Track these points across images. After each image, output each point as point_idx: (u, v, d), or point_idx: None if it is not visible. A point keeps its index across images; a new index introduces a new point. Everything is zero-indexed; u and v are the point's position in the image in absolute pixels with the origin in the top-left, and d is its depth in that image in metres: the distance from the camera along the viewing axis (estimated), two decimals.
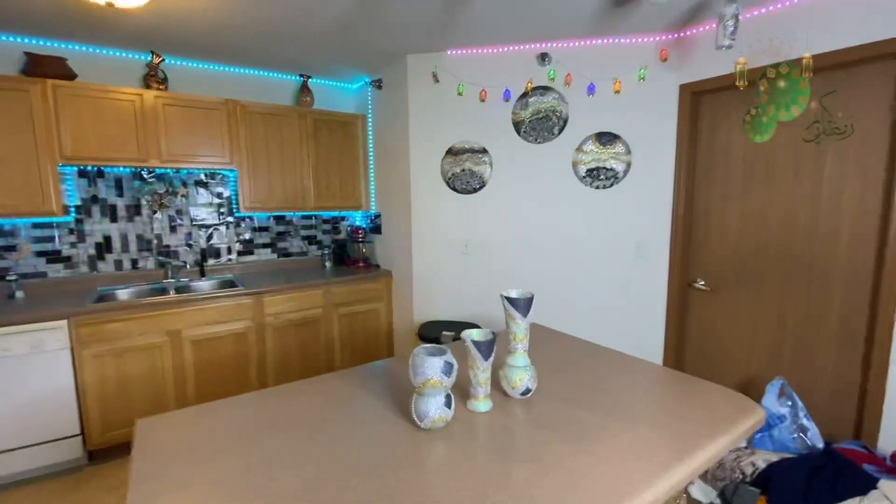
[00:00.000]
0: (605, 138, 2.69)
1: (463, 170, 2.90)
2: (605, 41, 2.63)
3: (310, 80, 3.41)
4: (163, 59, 2.81)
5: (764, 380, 2.38)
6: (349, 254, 3.63)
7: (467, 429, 1.12)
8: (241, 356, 2.84)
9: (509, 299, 1.24)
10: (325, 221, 3.76)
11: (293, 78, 3.43)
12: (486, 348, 1.15)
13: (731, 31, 1.83)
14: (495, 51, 2.78)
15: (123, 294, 2.83)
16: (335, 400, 1.29)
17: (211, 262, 3.28)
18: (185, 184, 3.13)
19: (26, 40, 2.56)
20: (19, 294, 2.61)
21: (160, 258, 3.08)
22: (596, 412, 1.21)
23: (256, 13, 2.24)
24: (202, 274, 3.15)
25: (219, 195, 3.27)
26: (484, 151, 2.86)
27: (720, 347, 2.55)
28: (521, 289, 2.88)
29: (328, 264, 3.65)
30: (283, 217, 3.55)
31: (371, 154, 3.54)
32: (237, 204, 3.25)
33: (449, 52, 2.85)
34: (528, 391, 1.26)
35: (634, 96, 2.62)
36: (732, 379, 2.51)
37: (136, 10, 2.19)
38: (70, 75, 2.56)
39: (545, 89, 2.75)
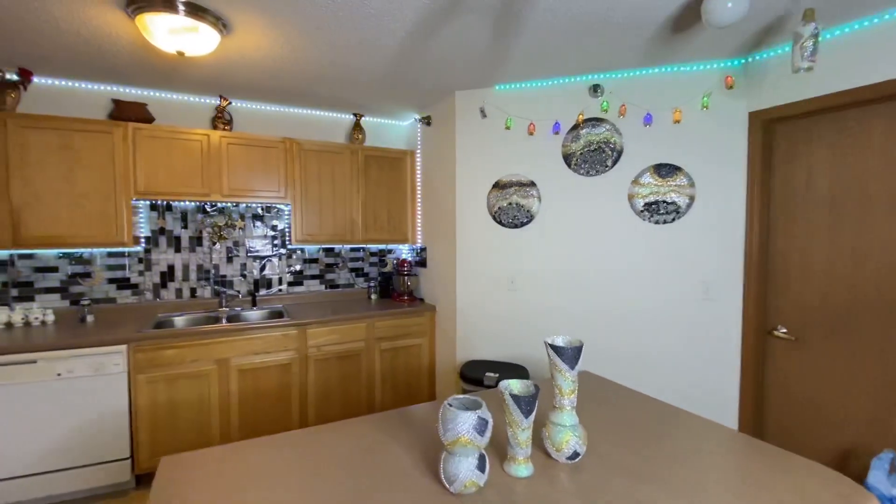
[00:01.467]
0: (665, 170, 2.51)
1: (510, 203, 2.81)
2: (663, 69, 2.50)
3: (362, 118, 3.53)
4: (229, 102, 3.02)
5: (866, 452, 1.99)
6: (395, 287, 3.61)
7: (504, 497, 0.98)
8: (283, 387, 2.84)
9: (554, 348, 1.11)
10: (373, 254, 3.79)
11: (346, 116, 3.57)
12: (526, 404, 1.02)
13: (811, 53, 1.65)
14: (544, 84, 2.73)
15: (180, 321, 2.96)
16: (362, 449, 1.20)
17: (262, 291, 3.38)
18: (242, 217, 3.29)
19: (114, 88, 2.85)
20: (90, 318, 2.80)
21: (216, 287, 3.22)
22: (660, 488, 1.02)
23: (314, 58, 2.35)
24: (254, 303, 3.24)
25: (273, 228, 3.40)
26: (532, 185, 2.77)
27: (809, 408, 2.19)
28: (571, 330, 2.69)
29: (374, 297, 3.64)
30: (332, 249, 3.62)
31: (419, 188, 3.56)
32: (290, 236, 3.36)
33: (497, 88, 2.83)
34: (576, 455, 1.10)
35: (697, 125, 2.44)
36: (824, 447, 2.13)
37: (204, 58, 2.37)
38: (149, 119, 2.81)
39: (598, 121, 2.64)
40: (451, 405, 0.99)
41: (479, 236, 2.91)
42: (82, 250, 2.84)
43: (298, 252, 3.50)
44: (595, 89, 2.62)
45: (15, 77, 2.52)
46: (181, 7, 1.78)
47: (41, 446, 2.29)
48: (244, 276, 3.32)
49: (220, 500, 0.97)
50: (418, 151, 3.55)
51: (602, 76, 2.63)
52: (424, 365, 3.33)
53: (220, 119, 2.99)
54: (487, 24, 1.99)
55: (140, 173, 2.70)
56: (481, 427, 0.95)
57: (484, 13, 1.89)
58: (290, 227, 3.31)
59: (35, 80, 2.66)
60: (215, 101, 3.12)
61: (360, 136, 3.44)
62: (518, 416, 1.02)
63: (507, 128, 2.77)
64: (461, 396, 1.05)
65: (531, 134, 2.75)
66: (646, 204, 2.55)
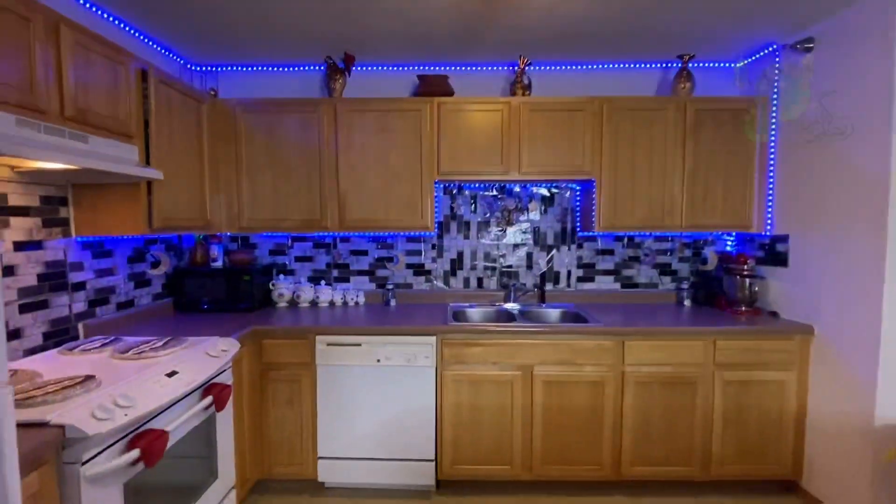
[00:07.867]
0: None
1: None
2: None
3: (690, 60, 2.59)
4: (529, 63, 2.56)
5: None
6: (724, 291, 2.60)
7: None
8: (594, 411, 2.24)
9: None
10: (686, 245, 2.86)
11: (660, 66, 2.73)
12: None
13: None
14: None
15: (473, 314, 2.69)
16: None
17: (548, 286, 2.88)
18: (532, 199, 2.84)
19: (417, 67, 2.74)
20: (392, 302, 2.78)
21: (503, 280, 2.87)
22: None
23: None
24: (542, 299, 2.77)
25: (563, 212, 2.85)
26: None
27: None
28: None
29: (687, 302, 2.74)
30: (631, 239, 2.86)
31: (771, 150, 2.45)
32: (581, 222, 2.76)
33: None
34: None
35: None
36: None
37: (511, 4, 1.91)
38: (450, 92, 2.59)
39: None
40: None
41: None
42: (388, 234, 2.84)
43: (590, 241, 2.87)
44: None
45: (341, 64, 2.59)
46: None
47: (361, 432, 2.25)
48: (530, 266, 2.88)
49: None
50: (774, 97, 2.43)
51: None
52: (788, 411, 2.24)
53: (519, 84, 2.57)
54: None
55: (444, 153, 2.48)
56: None
57: None
58: (580, 212, 2.70)
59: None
60: (510, 69, 2.74)
61: (688, 84, 2.54)
62: None
63: None
64: None
65: None
66: None
